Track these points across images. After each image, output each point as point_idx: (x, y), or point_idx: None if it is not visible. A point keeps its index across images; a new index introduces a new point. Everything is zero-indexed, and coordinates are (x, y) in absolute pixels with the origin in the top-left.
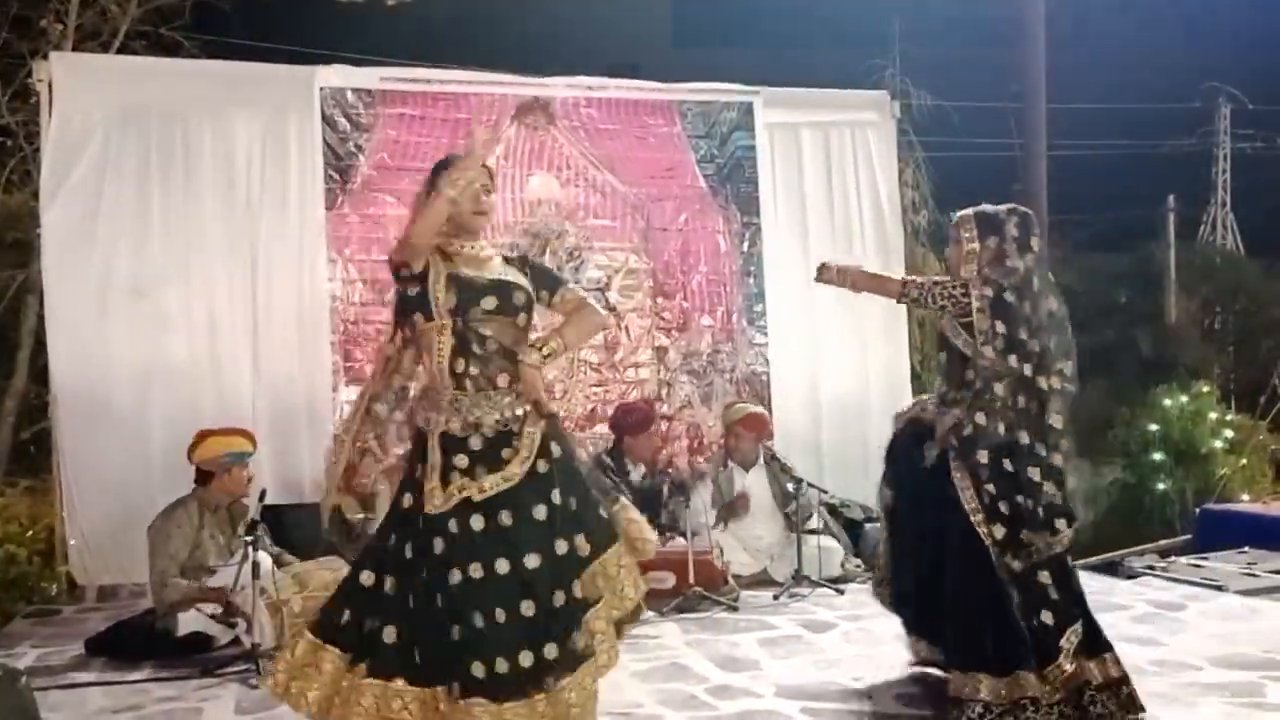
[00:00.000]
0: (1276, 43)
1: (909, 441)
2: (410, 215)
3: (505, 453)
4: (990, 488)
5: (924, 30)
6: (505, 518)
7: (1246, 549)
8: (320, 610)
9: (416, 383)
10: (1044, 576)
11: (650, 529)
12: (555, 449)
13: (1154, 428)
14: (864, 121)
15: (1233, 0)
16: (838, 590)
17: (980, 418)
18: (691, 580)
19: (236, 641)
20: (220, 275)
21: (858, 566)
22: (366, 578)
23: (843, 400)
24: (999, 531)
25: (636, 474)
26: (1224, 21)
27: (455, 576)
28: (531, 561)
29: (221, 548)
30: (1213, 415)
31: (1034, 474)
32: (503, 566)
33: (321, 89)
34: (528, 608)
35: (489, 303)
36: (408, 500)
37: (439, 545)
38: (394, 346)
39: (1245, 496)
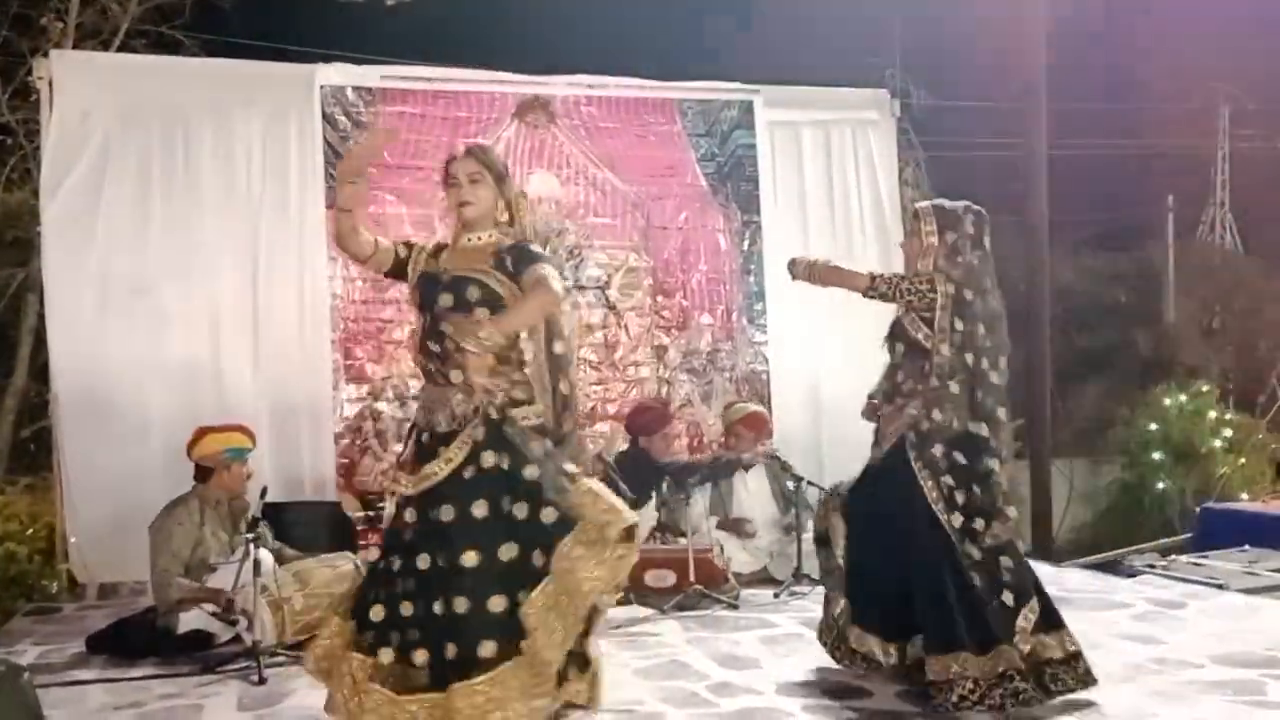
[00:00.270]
0: (1276, 43)
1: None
2: None
3: (440, 450)
4: (948, 479)
5: (924, 30)
6: (445, 513)
7: (1247, 548)
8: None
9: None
10: (1004, 560)
11: (619, 500)
12: (488, 458)
13: (1154, 427)
14: (864, 120)
15: (1233, 0)
16: None
17: (936, 413)
18: (692, 578)
19: (237, 639)
20: (221, 273)
21: None
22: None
23: (842, 399)
24: (957, 520)
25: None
26: (1224, 21)
27: (396, 564)
28: (469, 560)
29: (223, 545)
30: (1212, 415)
31: (990, 464)
32: (426, 561)
33: (322, 87)
34: (460, 604)
35: (445, 299)
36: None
37: (407, 533)
38: None
39: (1245, 495)
